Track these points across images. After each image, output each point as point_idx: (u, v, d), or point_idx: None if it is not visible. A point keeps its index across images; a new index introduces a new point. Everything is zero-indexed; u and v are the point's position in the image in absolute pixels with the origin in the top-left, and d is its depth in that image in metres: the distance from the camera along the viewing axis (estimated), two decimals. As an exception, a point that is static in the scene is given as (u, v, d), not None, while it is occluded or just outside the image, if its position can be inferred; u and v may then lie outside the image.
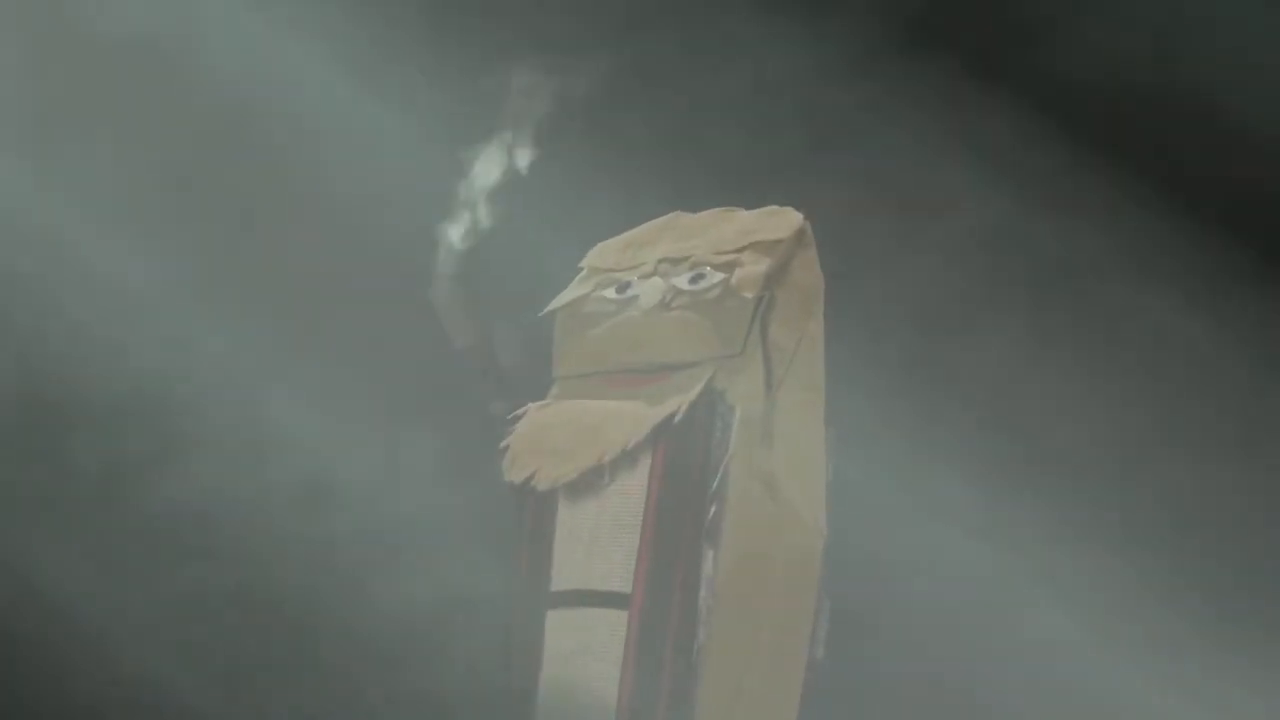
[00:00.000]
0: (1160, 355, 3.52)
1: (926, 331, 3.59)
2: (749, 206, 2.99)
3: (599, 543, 2.82)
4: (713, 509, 2.78)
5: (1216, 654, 3.33)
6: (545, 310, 2.99)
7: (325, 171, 3.64)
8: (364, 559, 3.54)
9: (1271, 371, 3.47)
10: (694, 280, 2.90)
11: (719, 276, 2.88)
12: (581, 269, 3.02)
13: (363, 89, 3.60)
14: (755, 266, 2.86)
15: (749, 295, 2.83)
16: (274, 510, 3.56)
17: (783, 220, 2.93)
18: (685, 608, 2.77)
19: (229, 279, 3.65)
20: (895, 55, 3.59)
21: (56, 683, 3.52)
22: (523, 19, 3.63)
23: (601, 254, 3.03)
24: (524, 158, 3.18)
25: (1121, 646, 3.37)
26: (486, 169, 3.18)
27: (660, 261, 2.94)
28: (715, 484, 2.78)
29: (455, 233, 3.17)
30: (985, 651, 3.37)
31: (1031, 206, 3.56)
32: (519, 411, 2.95)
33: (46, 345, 3.58)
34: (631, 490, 2.81)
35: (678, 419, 2.78)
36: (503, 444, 2.90)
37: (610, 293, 2.95)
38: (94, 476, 3.58)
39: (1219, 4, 3.49)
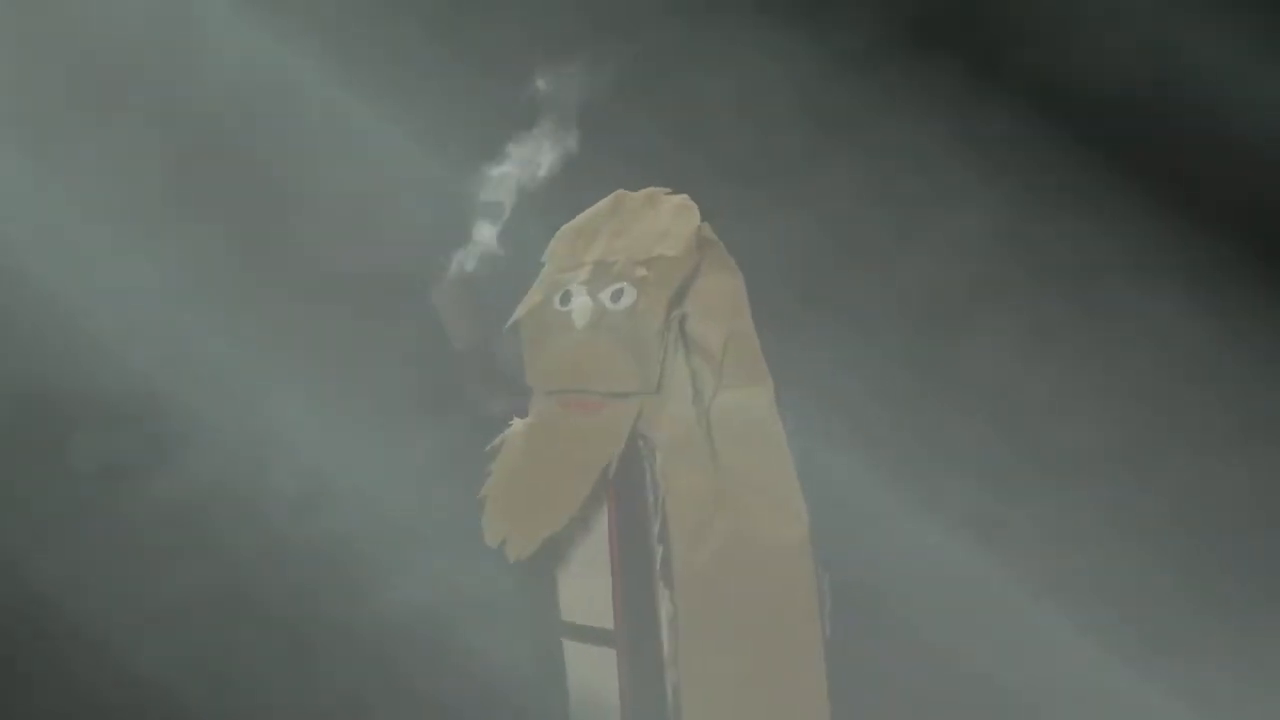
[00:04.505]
0: (1161, 354, 3.52)
1: (926, 330, 3.59)
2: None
3: (588, 581, 2.83)
4: (660, 550, 2.78)
5: (1217, 652, 3.33)
6: (511, 321, 2.96)
7: (327, 171, 3.64)
8: (364, 559, 3.54)
9: (1272, 370, 3.47)
10: (614, 298, 2.86)
11: (633, 296, 2.85)
12: (543, 261, 3.00)
13: (365, 89, 3.60)
14: (657, 293, 2.83)
15: (654, 328, 2.81)
16: (273, 510, 3.56)
17: (680, 229, 2.89)
18: (653, 650, 2.78)
19: (229, 279, 3.64)
20: (896, 55, 3.59)
21: (57, 683, 3.51)
22: (524, 20, 3.63)
23: (558, 245, 2.99)
24: (525, 160, 3.17)
25: (1121, 645, 3.38)
26: (488, 170, 3.18)
27: (595, 265, 2.91)
28: (657, 527, 2.78)
29: (457, 233, 3.17)
30: (985, 651, 3.37)
31: (1031, 206, 3.56)
32: (499, 440, 2.93)
33: (46, 345, 3.58)
34: (598, 534, 2.82)
35: (612, 473, 2.77)
36: (481, 494, 2.89)
37: (557, 303, 2.92)
38: (94, 476, 3.58)
39: (1219, 4, 3.49)
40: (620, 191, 3.00)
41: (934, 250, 3.60)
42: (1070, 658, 3.40)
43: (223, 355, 3.58)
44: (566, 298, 2.89)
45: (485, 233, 3.17)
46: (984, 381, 3.57)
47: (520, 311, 2.94)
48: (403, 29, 3.62)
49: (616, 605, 2.79)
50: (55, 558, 3.57)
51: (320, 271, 3.64)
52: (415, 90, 3.58)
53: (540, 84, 3.21)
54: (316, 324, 3.63)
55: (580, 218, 3.00)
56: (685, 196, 2.93)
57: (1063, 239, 3.56)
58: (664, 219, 2.90)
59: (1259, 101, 3.48)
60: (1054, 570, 3.45)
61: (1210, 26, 3.49)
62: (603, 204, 2.99)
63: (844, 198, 3.62)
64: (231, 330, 3.59)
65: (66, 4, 3.65)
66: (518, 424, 2.93)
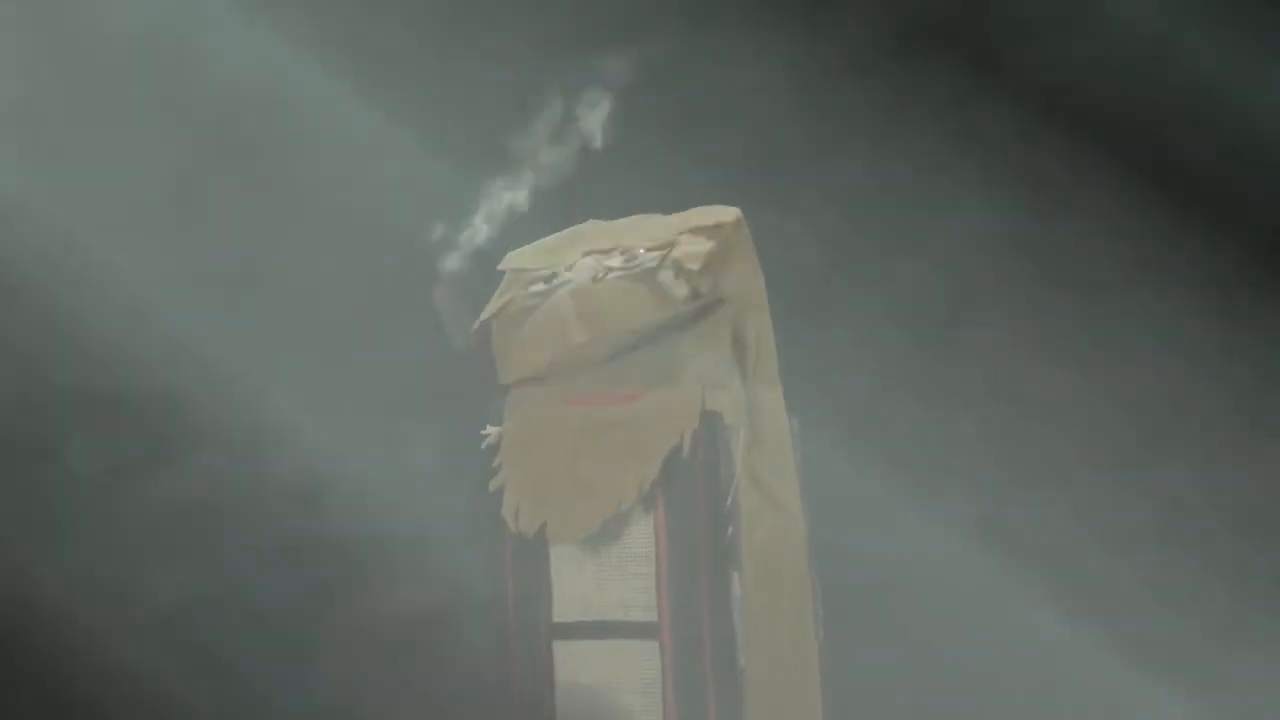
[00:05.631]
0: (1162, 355, 3.52)
1: (926, 331, 3.59)
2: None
3: (609, 573, 2.79)
4: (729, 530, 2.76)
5: (1219, 655, 3.33)
6: (477, 322, 2.94)
7: (327, 170, 3.64)
8: (364, 559, 3.54)
9: (1274, 372, 3.47)
10: (627, 260, 2.85)
11: (655, 254, 2.84)
12: (502, 274, 2.99)
13: (367, 88, 3.60)
14: (697, 245, 2.81)
15: (693, 266, 2.78)
16: (273, 510, 3.56)
17: (720, 210, 2.89)
18: (719, 634, 2.74)
19: (230, 278, 3.64)
20: (896, 55, 3.59)
21: (57, 683, 3.51)
22: (522, 20, 3.63)
23: (518, 258, 2.97)
24: (527, 159, 3.18)
25: (1121, 647, 3.38)
26: (489, 169, 3.18)
27: (587, 253, 2.89)
28: (728, 505, 2.76)
29: (458, 233, 3.17)
30: (984, 654, 3.37)
31: (1031, 206, 3.56)
32: (490, 439, 2.90)
33: (46, 345, 3.57)
34: (636, 519, 2.78)
35: (685, 454, 2.75)
36: (494, 486, 2.86)
37: (538, 286, 2.89)
38: (94, 476, 3.58)
39: (1219, 4, 3.49)
40: (592, 220, 3.00)
41: (934, 250, 3.60)
42: (1071, 659, 3.40)
43: (224, 354, 3.58)
44: (550, 279, 2.88)
45: (485, 232, 3.17)
46: (984, 382, 3.57)
47: (490, 310, 2.92)
48: (405, 28, 3.62)
49: (661, 589, 2.76)
50: (55, 558, 3.57)
51: (320, 271, 3.64)
52: (417, 89, 3.58)
53: (543, 87, 3.21)
54: (316, 323, 3.63)
55: (544, 240, 2.99)
56: (696, 208, 2.94)
57: (1064, 239, 3.56)
58: (680, 217, 2.92)
59: (1261, 100, 3.48)
60: (1055, 572, 3.45)
61: (1211, 26, 3.49)
62: (573, 228, 2.99)
63: (844, 198, 3.62)
64: (232, 329, 3.59)
65: (69, 4, 3.65)
66: (506, 425, 2.90)
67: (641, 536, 2.77)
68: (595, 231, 2.97)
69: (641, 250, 2.85)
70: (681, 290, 2.78)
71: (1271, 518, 3.44)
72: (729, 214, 2.87)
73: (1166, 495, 3.46)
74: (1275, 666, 3.31)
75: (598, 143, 3.23)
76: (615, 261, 2.84)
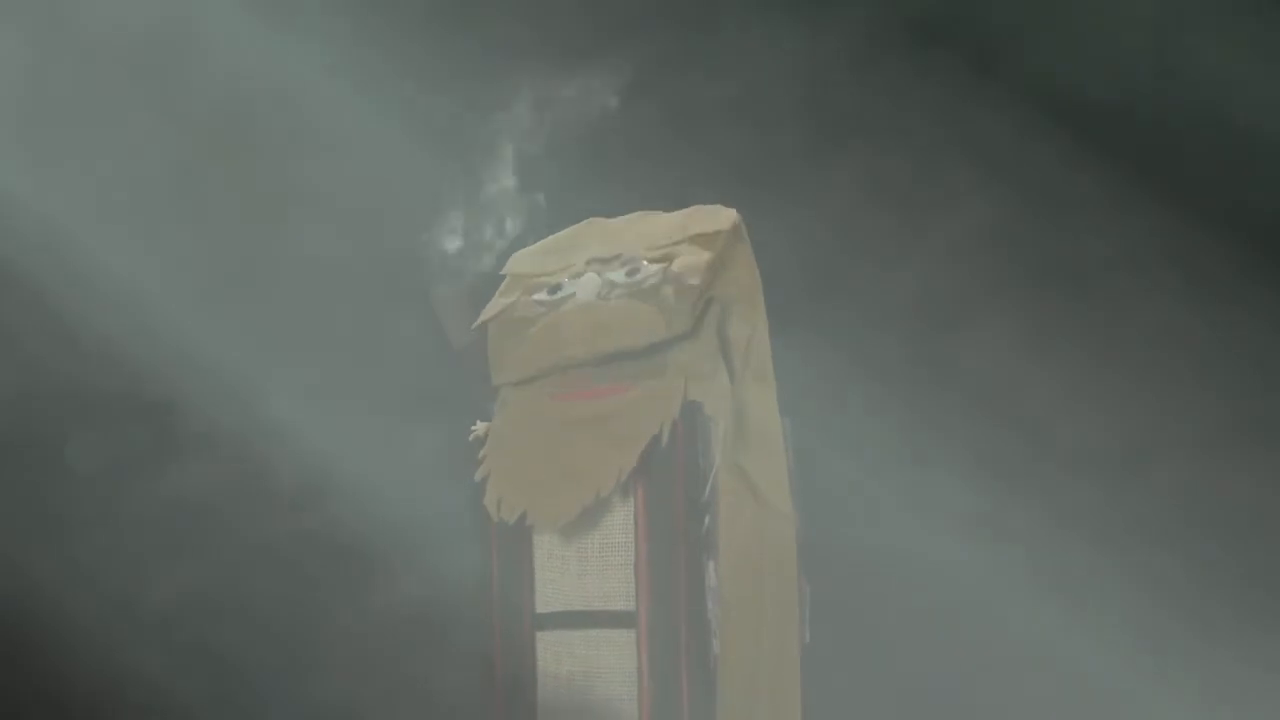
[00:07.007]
0: (1162, 352, 3.52)
1: (927, 329, 3.60)
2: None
3: (590, 563, 2.80)
4: (706, 520, 2.76)
5: (1219, 650, 3.33)
6: (475, 324, 2.95)
7: (327, 170, 3.64)
8: (364, 559, 3.55)
9: (1273, 368, 3.47)
10: (630, 273, 2.87)
11: (657, 267, 2.85)
12: (504, 276, 3.00)
13: (366, 88, 3.61)
14: (696, 256, 2.83)
15: (694, 281, 2.81)
16: (274, 510, 3.57)
17: (718, 215, 2.89)
18: (694, 622, 2.75)
19: (230, 278, 3.65)
20: (897, 55, 3.59)
21: (57, 683, 3.52)
22: (523, 20, 3.64)
23: (521, 262, 2.99)
24: (526, 159, 3.18)
25: (1121, 642, 3.38)
26: (489, 170, 3.19)
27: (590, 261, 2.90)
28: (706, 495, 2.77)
29: (457, 233, 3.17)
30: (987, 648, 3.38)
31: (1031, 206, 3.56)
32: (477, 432, 2.91)
33: (46, 345, 3.58)
34: (616, 509, 2.79)
35: (664, 442, 2.76)
36: (479, 476, 2.87)
37: (542, 295, 2.91)
38: (94, 476, 3.59)
39: (1219, 4, 3.49)
40: (593, 218, 3.01)
41: (934, 250, 3.60)
42: (1071, 656, 3.40)
43: (224, 353, 3.59)
44: (554, 289, 2.90)
45: (484, 232, 3.18)
46: (985, 379, 3.57)
47: (489, 313, 2.94)
48: (406, 28, 3.62)
49: (640, 578, 2.77)
50: (56, 557, 3.57)
51: (320, 271, 3.65)
52: (417, 90, 3.58)
53: (544, 87, 3.21)
54: (316, 323, 3.63)
55: (546, 241, 3.01)
56: (694, 207, 2.95)
57: (1063, 237, 3.56)
58: (679, 218, 2.92)
59: (1258, 101, 3.48)
60: (1053, 568, 3.46)
61: (1209, 27, 3.49)
62: (574, 227, 3.00)
63: (844, 198, 3.62)
64: (233, 329, 3.60)
65: (72, 4, 3.65)
66: (494, 421, 2.91)
67: (621, 526, 2.78)
68: (595, 232, 2.97)
69: (644, 262, 2.86)
70: (684, 312, 2.79)
71: (1270, 516, 3.44)
72: (727, 219, 2.87)
73: (1166, 491, 3.47)
74: (1275, 665, 3.31)
75: (599, 141, 3.23)
76: (618, 276, 2.85)
